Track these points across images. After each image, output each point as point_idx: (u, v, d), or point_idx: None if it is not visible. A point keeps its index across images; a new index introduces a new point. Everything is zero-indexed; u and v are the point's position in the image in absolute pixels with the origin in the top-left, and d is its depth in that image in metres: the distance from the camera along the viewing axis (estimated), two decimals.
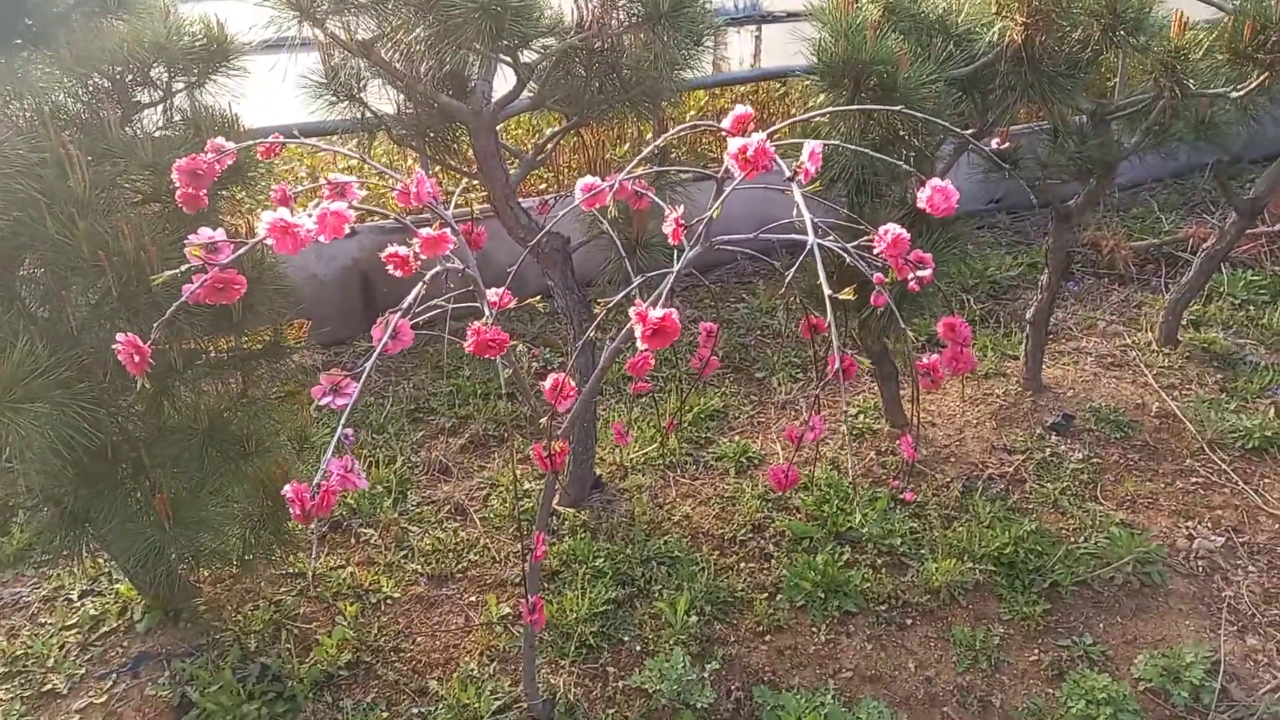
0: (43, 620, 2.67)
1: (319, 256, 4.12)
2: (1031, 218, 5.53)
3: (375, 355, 1.24)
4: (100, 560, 2.79)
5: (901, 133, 2.54)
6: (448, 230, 1.34)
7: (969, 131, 1.33)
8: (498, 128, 2.63)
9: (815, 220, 1.24)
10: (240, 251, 1.16)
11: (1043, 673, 2.50)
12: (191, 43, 2.31)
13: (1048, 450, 3.34)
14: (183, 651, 2.53)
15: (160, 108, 2.32)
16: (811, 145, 1.14)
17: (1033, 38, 2.58)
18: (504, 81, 2.59)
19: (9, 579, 2.83)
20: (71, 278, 1.81)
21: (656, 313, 1.16)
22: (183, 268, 1.16)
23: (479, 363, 4.02)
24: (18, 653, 2.54)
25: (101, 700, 2.40)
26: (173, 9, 2.32)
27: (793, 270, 1.21)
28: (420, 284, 1.35)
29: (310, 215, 1.16)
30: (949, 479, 3.22)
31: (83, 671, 2.49)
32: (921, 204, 1.25)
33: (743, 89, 5.54)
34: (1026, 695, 2.44)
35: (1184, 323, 4.09)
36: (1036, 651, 2.56)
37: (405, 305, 1.30)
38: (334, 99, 2.61)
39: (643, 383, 1.76)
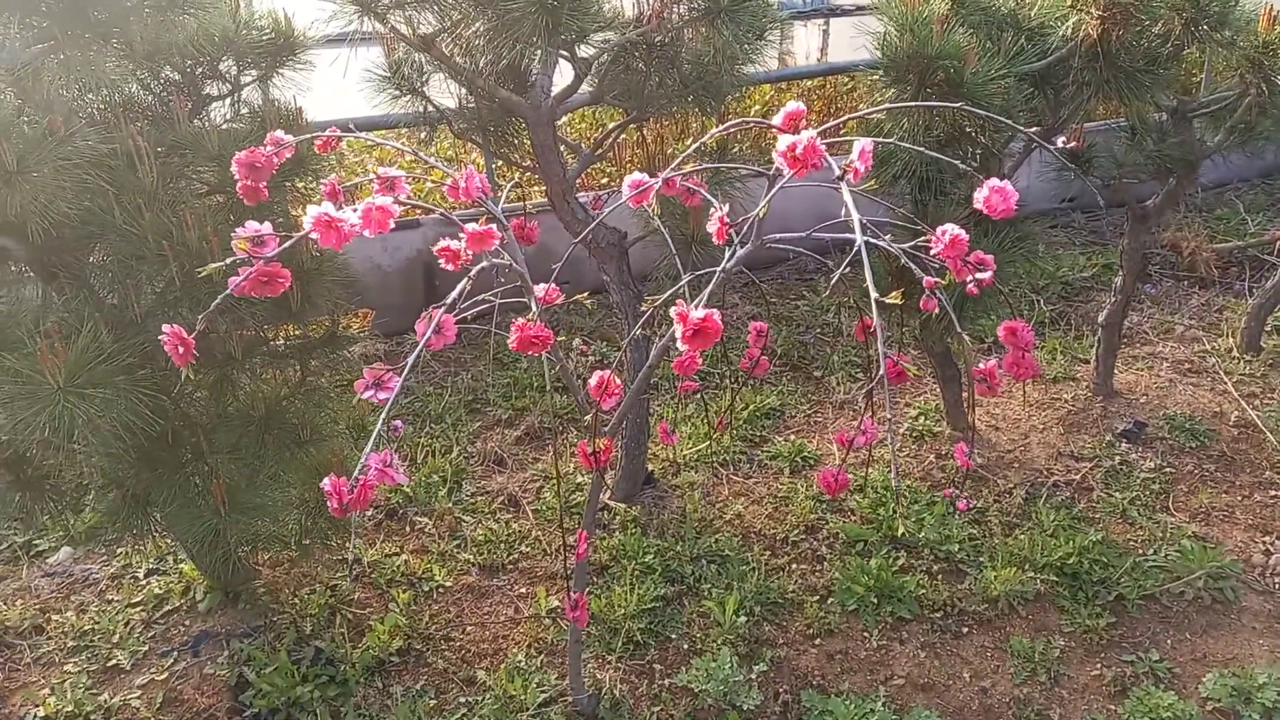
0: (110, 597, 2.77)
1: (384, 247, 4.19)
2: (1108, 217, 5.35)
3: (419, 350, 1.24)
4: (166, 540, 2.88)
5: (968, 129, 2.47)
6: (494, 226, 1.33)
7: (1034, 130, 1.27)
8: (559, 122, 2.63)
9: (867, 220, 1.20)
10: (284, 246, 1.17)
11: (1105, 688, 2.41)
12: (259, 37, 2.36)
13: (1117, 458, 3.23)
14: (241, 632, 2.59)
15: (228, 101, 2.37)
16: (862, 143, 1.11)
17: (1109, 32, 2.48)
18: (565, 77, 2.59)
19: (81, 555, 2.94)
20: (137, 267, 1.86)
21: (698, 313, 1.14)
22: (228, 260, 1.18)
23: (536, 356, 4.04)
24: (86, 628, 2.63)
25: (163, 678, 2.47)
26: (243, 3, 2.37)
27: (842, 268, 1.18)
28: (466, 279, 1.35)
29: (356, 210, 1.17)
30: (1012, 485, 3.13)
31: (146, 648, 2.57)
32: (979, 205, 1.20)
33: (809, 84, 5.47)
34: (1087, 711, 2.36)
35: (1268, 329, 3.91)
36: (1099, 666, 2.48)
37: (450, 300, 1.30)
38: (397, 93, 2.64)
39: (689, 382, 1.74)
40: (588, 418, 1.61)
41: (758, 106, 5.11)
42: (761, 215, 1.21)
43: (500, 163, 3.85)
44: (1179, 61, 2.76)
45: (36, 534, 3.01)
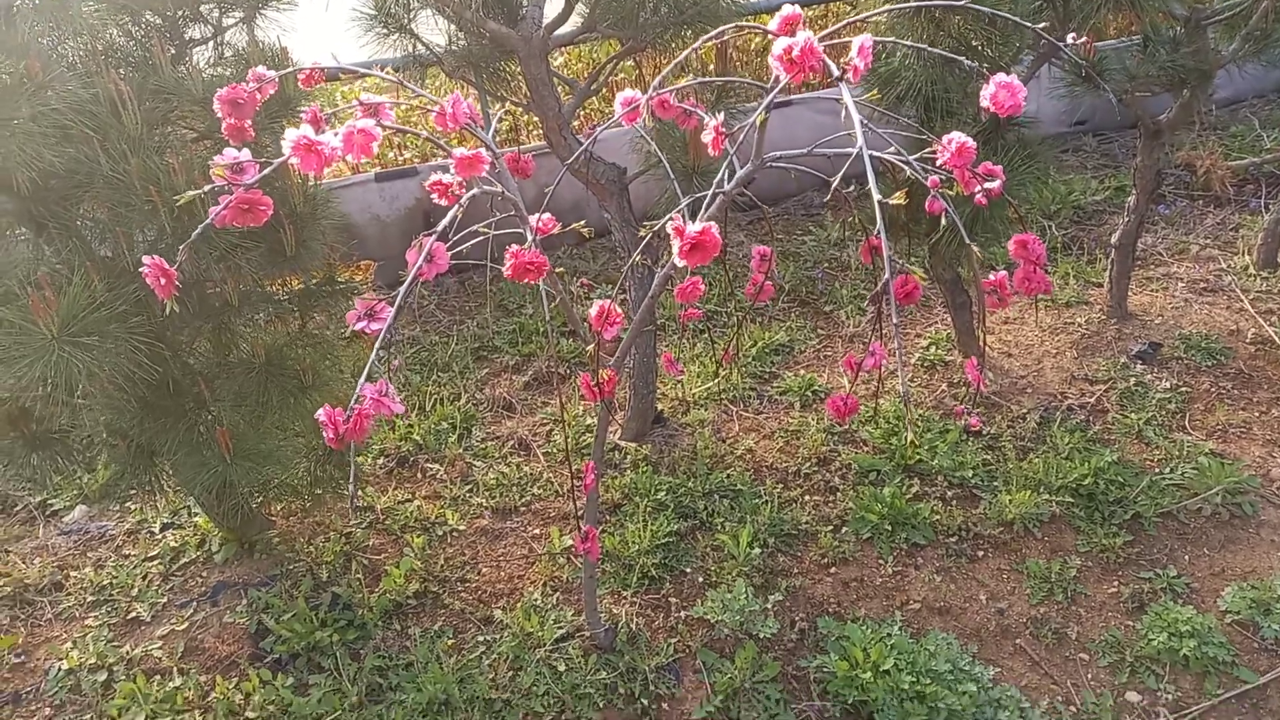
0: (126, 552, 2.78)
1: (382, 196, 4.14)
2: (1120, 139, 5.24)
3: (410, 278, 1.21)
4: (179, 496, 2.88)
5: (974, 43, 2.39)
6: (483, 150, 1.29)
7: (1042, 25, 1.20)
8: (555, 64, 2.57)
9: (874, 128, 1.15)
10: (264, 172, 1.13)
11: (1122, 605, 2.41)
12: None
13: (1132, 379, 3.19)
14: (258, 581, 2.61)
15: (211, 44, 2.32)
16: (861, 40, 1.06)
17: None
18: (557, 8, 2.52)
19: (95, 513, 2.95)
20: (127, 215, 1.82)
21: (695, 226, 1.10)
22: (207, 188, 1.14)
23: (541, 302, 4.01)
24: (104, 582, 2.65)
25: (183, 627, 2.49)
26: None
27: (841, 173, 1.13)
28: (457, 207, 1.31)
29: (337, 134, 1.13)
30: (1025, 410, 3.09)
31: (165, 600, 2.59)
32: (985, 102, 1.15)
33: (810, 14, 5.34)
34: (1104, 628, 2.35)
35: None
36: (1116, 584, 2.47)
37: (440, 227, 1.26)
38: (384, 30, 2.57)
39: (693, 309, 1.71)
40: (588, 349, 1.58)
41: (757, 39, 4.99)
42: (760, 122, 1.17)
43: (496, 104, 3.77)
44: None
45: (51, 493, 3.02)
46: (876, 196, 0.98)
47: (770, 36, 1.17)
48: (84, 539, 2.86)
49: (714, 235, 1.10)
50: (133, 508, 2.94)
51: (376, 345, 1.15)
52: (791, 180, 4.85)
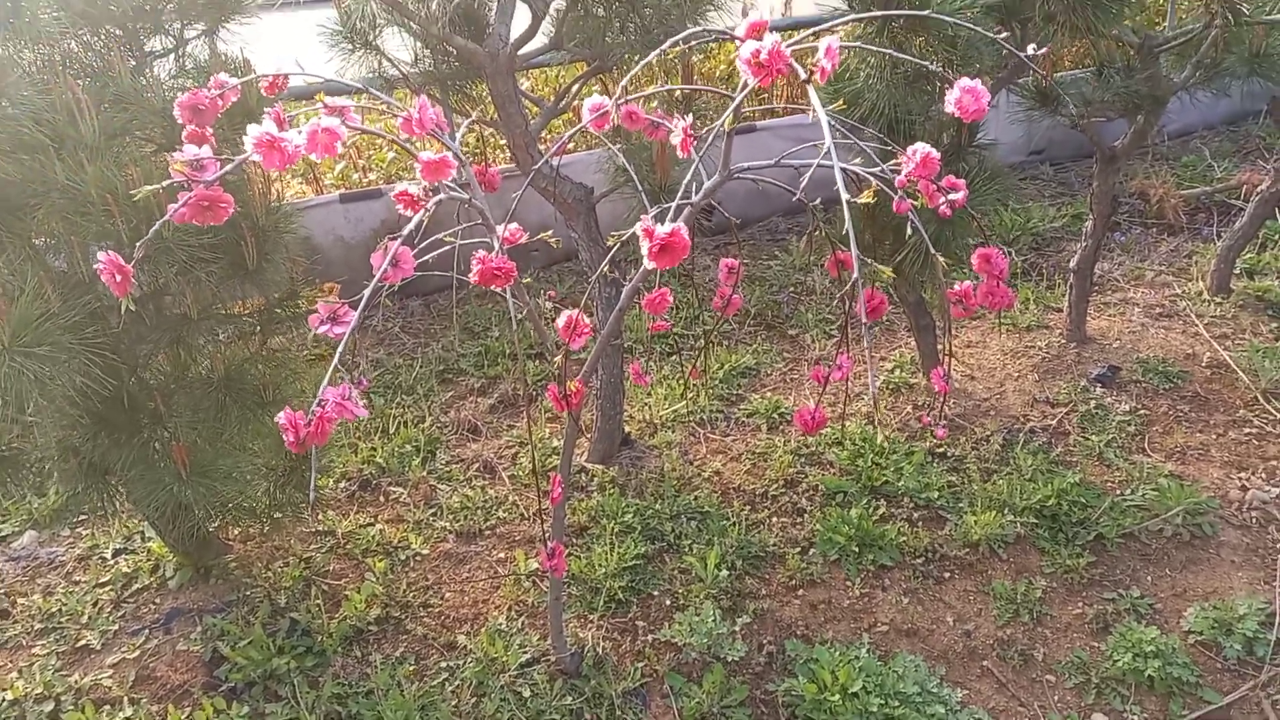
0: (77, 578, 2.69)
1: (346, 218, 4.10)
2: (1075, 169, 5.36)
3: (375, 282, 1.19)
4: (132, 521, 2.80)
5: (934, 65, 2.42)
6: (449, 155, 1.28)
7: (1003, 35, 1.22)
8: (521, 83, 2.57)
9: (841, 130, 1.16)
10: (227, 168, 1.11)
11: (1087, 626, 2.41)
12: None
13: (1092, 403, 3.23)
14: (214, 607, 2.53)
15: (173, 57, 2.29)
16: (827, 41, 1.06)
17: None
18: (524, 26, 2.52)
19: (45, 538, 2.86)
20: (83, 223, 1.78)
21: (664, 227, 1.09)
22: (165, 183, 1.11)
23: (508, 323, 3.98)
24: (53, 610, 2.56)
25: (134, 655, 2.41)
26: None
27: (806, 177, 1.13)
28: (424, 211, 1.29)
29: (300, 132, 1.11)
30: (989, 432, 3.12)
31: (116, 627, 2.50)
32: (950, 108, 1.16)
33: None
34: (1070, 648, 2.35)
35: (1236, 271, 3.92)
36: (1080, 605, 2.47)
37: (406, 231, 1.24)
38: (349, 46, 2.56)
39: (661, 321, 1.70)
40: (556, 359, 1.56)
41: (722, 66, 5.05)
42: (728, 127, 1.17)
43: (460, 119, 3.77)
44: None
45: None
46: (845, 196, 0.98)
47: (737, 43, 1.17)
48: (33, 565, 2.76)
49: (683, 236, 1.10)
50: (84, 533, 2.85)
51: (340, 347, 1.12)
52: (757, 205, 4.88)
